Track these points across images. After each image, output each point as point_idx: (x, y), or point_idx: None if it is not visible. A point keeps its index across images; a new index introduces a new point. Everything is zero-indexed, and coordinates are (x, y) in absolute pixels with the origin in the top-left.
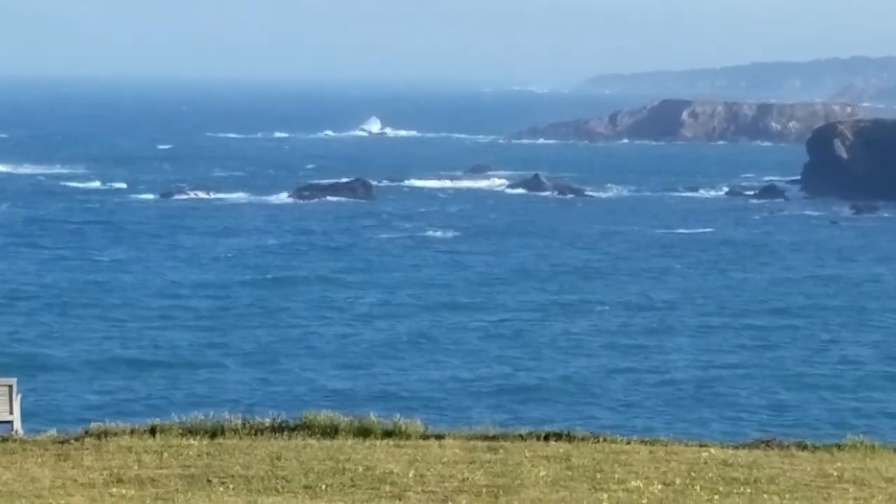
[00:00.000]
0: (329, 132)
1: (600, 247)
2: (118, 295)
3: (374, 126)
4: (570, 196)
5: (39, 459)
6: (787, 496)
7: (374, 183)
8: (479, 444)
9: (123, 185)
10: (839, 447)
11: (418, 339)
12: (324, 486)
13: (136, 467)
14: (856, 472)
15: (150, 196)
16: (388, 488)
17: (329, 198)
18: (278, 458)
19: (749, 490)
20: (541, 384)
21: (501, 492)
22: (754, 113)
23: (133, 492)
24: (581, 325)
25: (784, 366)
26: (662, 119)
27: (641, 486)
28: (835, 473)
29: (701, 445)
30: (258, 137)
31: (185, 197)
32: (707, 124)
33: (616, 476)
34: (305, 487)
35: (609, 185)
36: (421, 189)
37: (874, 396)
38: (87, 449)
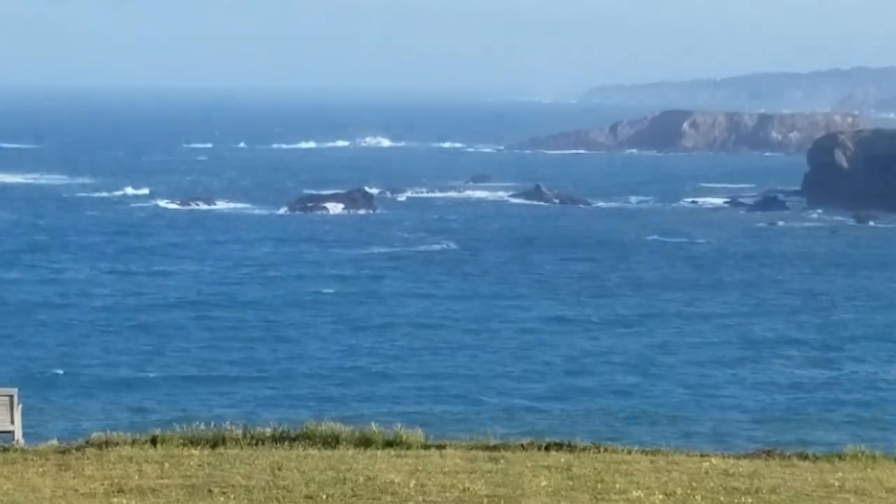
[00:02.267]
0: (336, 142)
1: (599, 257)
2: (125, 306)
3: (376, 142)
4: (570, 206)
5: (40, 469)
6: None
7: (375, 192)
8: (480, 453)
9: (123, 194)
10: (840, 457)
11: (419, 350)
12: (325, 496)
13: (136, 477)
14: (857, 482)
15: (153, 205)
16: (389, 498)
17: (330, 208)
18: (279, 468)
19: (750, 500)
20: (543, 397)
21: (502, 502)
22: (755, 123)
23: (134, 502)
24: (581, 337)
25: (785, 374)
26: (663, 129)
27: (642, 496)
28: (836, 483)
29: (702, 455)
30: (263, 147)
31: (188, 208)
32: (708, 134)
33: (617, 486)
34: (306, 497)
35: (610, 195)
36: (422, 199)
37: (883, 407)
38: (88, 459)
